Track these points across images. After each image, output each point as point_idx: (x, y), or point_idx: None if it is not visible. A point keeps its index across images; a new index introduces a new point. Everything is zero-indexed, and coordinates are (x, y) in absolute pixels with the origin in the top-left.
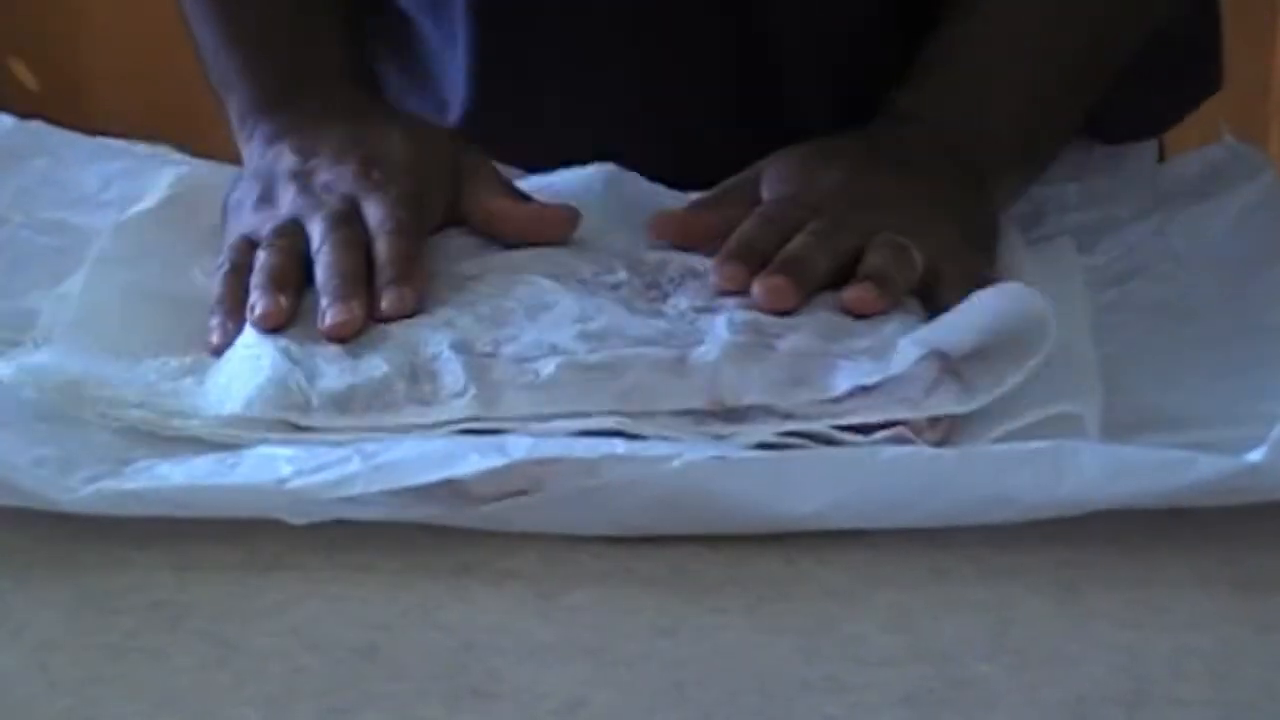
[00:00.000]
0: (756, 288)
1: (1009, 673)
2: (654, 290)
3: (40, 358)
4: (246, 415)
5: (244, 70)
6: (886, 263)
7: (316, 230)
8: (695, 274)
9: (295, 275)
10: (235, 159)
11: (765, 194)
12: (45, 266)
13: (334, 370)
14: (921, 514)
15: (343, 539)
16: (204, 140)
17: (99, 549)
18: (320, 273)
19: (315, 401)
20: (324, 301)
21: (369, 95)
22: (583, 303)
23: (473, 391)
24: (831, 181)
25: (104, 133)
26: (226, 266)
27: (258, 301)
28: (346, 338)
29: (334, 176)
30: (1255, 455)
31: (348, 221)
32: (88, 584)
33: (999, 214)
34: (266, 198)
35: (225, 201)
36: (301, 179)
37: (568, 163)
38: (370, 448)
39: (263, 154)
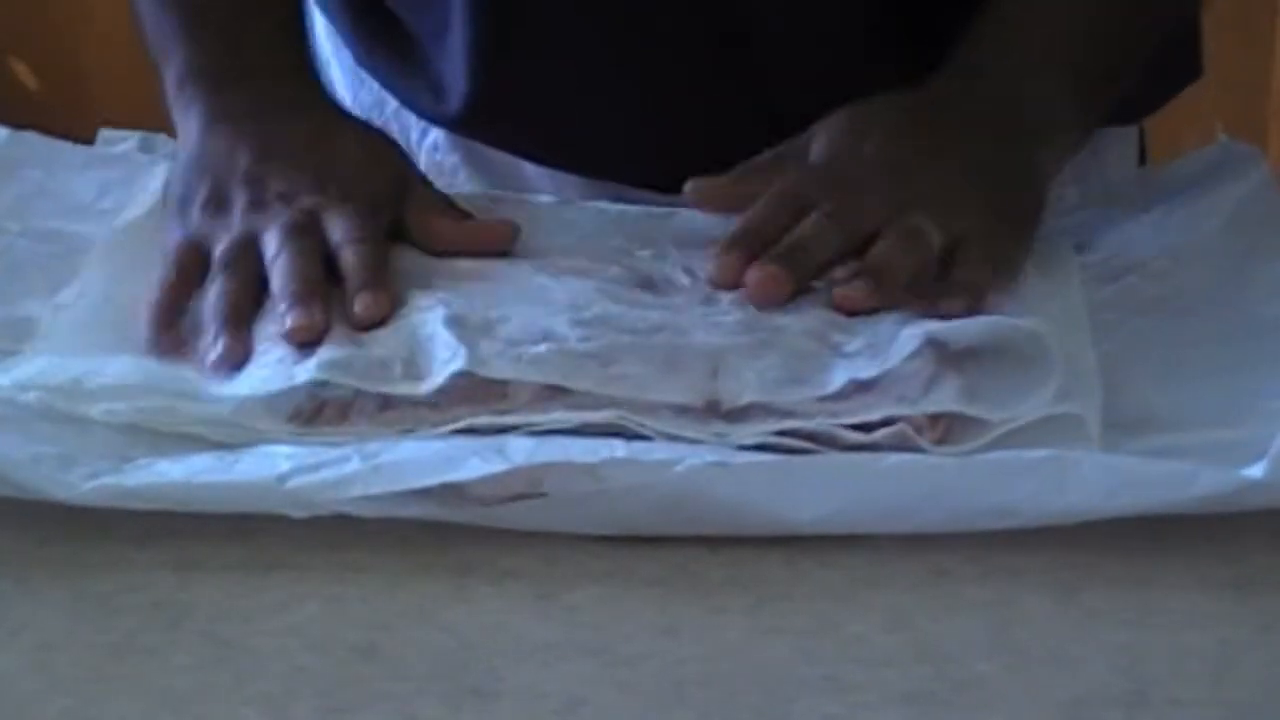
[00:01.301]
0: (749, 277)
1: (1009, 673)
2: (649, 290)
3: (38, 362)
4: (251, 397)
5: (183, 34)
6: (892, 253)
7: (272, 241)
8: (690, 273)
9: (250, 305)
10: None
11: (811, 159)
12: (42, 275)
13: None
14: (922, 521)
15: (343, 539)
16: None
17: (99, 549)
18: (276, 280)
19: (313, 364)
20: (282, 306)
21: (316, 89)
22: (576, 294)
23: (464, 352)
24: (865, 149)
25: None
26: (172, 276)
27: (219, 343)
28: (306, 342)
29: (289, 185)
30: (1256, 470)
31: (306, 231)
32: (88, 584)
33: (1043, 179)
34: (216, 200)
35: (166, 189)
36: (256, 186)
37: (568, 149)
38: (370, 448)
39: (207, 137)
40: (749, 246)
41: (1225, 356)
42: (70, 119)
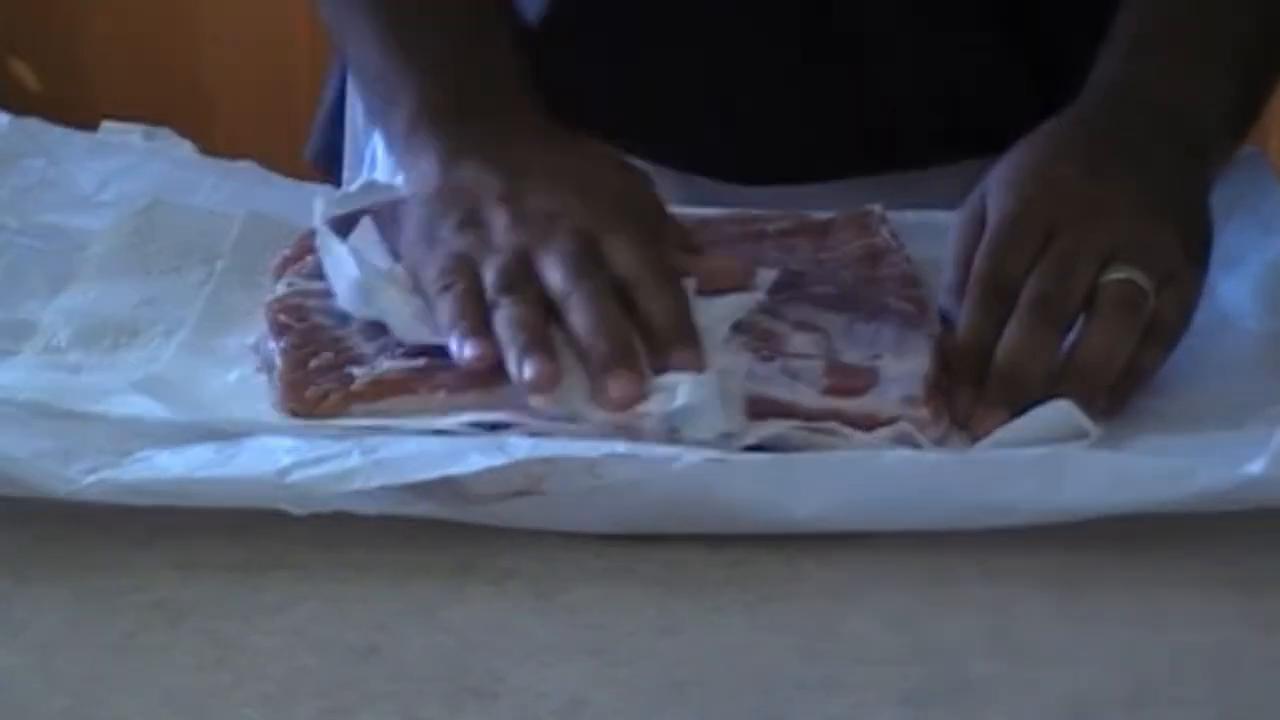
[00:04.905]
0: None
1: (1009, 673)
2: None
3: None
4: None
5: (413, 73)
6: (1112, 338)
7: (556, 269)
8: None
9: (545, 326)
10: (235, 154)
11: (992, 208)
12: (41, 274)
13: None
14: (922, 518)
15: (343, 538)
16: (206, 139)
17: (99, 548)
18: (583, 329)
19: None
20: (596, 367)
21: (556, 120)
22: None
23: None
24: (1064, 186)
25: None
26: (461, 286)
27: (528, 365)
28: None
29: (551, 204)
30: (1255, 467)
31: (595, 265)
32: (88, 584)
33: (1208, 196)
34: (472, 221)
35: (401, 219)
36: (515, 204)
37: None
38: (371, 442)
39: (450, 169)
40: (999, 297)
41: (1228, 359)
42: (71, 119)
